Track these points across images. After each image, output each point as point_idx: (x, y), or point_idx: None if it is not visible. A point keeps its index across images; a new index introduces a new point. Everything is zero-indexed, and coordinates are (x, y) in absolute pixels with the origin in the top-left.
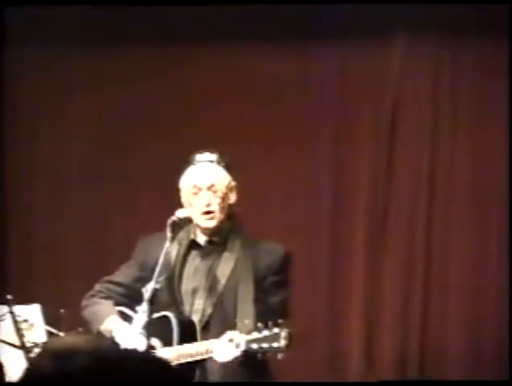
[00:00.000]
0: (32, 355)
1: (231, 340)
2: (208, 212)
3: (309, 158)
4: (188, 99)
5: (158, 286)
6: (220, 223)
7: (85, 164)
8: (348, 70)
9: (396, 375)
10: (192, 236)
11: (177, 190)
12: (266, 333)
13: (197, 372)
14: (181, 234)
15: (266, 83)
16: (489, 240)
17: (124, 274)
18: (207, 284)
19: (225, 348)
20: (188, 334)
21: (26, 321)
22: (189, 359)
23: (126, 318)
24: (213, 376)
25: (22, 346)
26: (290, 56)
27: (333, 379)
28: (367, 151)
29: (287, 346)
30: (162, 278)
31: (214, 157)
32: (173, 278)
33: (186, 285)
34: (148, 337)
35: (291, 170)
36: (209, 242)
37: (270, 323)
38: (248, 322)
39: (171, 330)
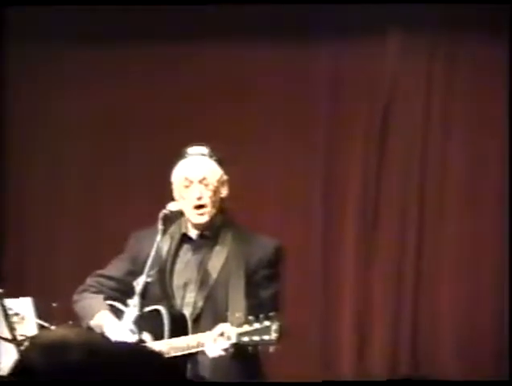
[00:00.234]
0: (23, 348)
1: (222, 334)
2: (199, 206)
3: (302, 154)
4: (182, 94)
5: (149, 280)
6: (212, 217)
7: (81, 161)
8: (343, 67)
9: (388, 372)
10: (183, 230)
11: (169, 185)
12: (256, 326)
13: (189, 365)
14: (173, 228)
15: (262, 79)
16: (482, 237)
17: (116, 268)
18: (198, 277)
19: (215, 342)
20: (179, 327)
21: (17, 314)
22: (180, 353)
23: (117, 312)
24: (205, 369)
25: (13, 340)
26: (285, 53)
27: (325, 376)
28: (360, 148)
29: (278, 338)
30: (153, 272)
31: (206, 150)
32: (164, 272)
33: (177, 279)
34: (139, 332)
35: (284, 165)
36: (201, 236)
37: (261, 316)
38: (239, 315)
39: (162, 323)
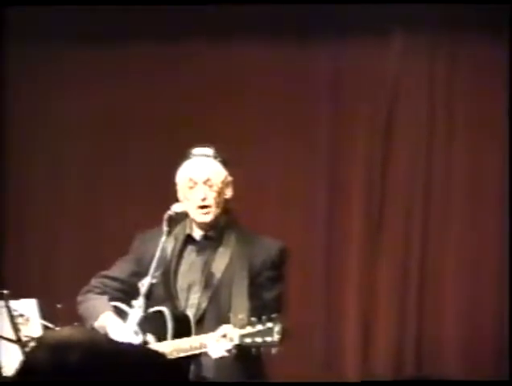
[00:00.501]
0: (28, 349)
1: (225, 335)
2: (203, 207)
3: (305, 155)
4: (182, 94)
5: (154, 281)
6: (216, 217)
7: (82, 160)
8: (344, 67)
9: (392, 373)
10: (187, 231)
11: (174, 186)
12: (259, 327)
13: (192, 367)
14: (177, 229)
15: (264, 79)
16: (486, 237)
17: (120, 269)
18: (202, 279)
19: (218, 343)
20: (183, 328)
21: (22, 315)
22: (183, 354)
23: (122, 314)
24: (208, 371)
25: (18, 341)
26: (287, 54)
27: (328, 376)
28: (363, 148)
29: (281, 340)
30: (158, 273)
31: (211, 151)
32: (169, 273)
33: (181, 280)
34: (143, 333)
35: (286, 166)
36: (205, 237)
37: (263, 318)
38: (242, 316)
39: (165, 324)
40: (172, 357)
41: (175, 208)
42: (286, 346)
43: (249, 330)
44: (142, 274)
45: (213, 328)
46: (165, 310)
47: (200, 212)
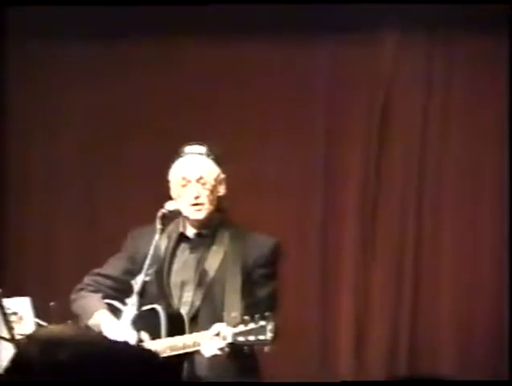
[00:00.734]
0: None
1: (218, 333)
2: (196, 204)
3: (302, 152)
4: (182, 94)
5: (148, 279)
6: (209, 215)
7: (79, 159)
8: (342, 63)
9: (386, 372)
10: (181, 229)
11: (167, 183)
12: (252, 326)
13: (185, 365)
14: (170, 227)
15: (260, 74)
16: (482, 236)
17: (113, 267)
18: (195, 276)
19: (211, 341)
20: (176, 326)
21: (15, 313)
22: (177, 352)
23: (115, 311)
24: (201, 369)
25: (12, 339)
26: (284, 51)
27: (323, 375)
28: (359, 147)
29: (273, 338)
30: (151, 271)
31: (203, 149)
32: (162, 271)
33: (175, 278)
34: (137, 331)
35: (283, 164)
36: (198, 235)
37: (256, 316)
38: (235, 314)
39: (159, 322)
40: (166, 355)
41: (169, 206)
42: (280, 345)
43: (242, 328)
44: (135, 272)
45: (207, 326)
46: (159, 308)
47: (193, 209)
